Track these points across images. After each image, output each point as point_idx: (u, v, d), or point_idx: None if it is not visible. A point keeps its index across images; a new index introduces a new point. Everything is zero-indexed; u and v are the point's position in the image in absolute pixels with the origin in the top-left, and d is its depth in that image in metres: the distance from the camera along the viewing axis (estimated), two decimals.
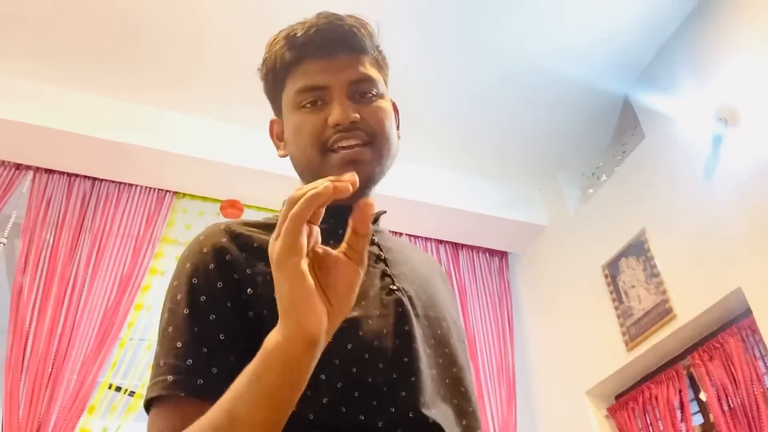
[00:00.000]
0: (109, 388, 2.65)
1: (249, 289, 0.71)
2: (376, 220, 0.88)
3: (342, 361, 0.68)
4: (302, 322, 0.54)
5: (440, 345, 0.80)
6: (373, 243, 0.83)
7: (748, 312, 2.31)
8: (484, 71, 3.05)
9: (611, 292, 3.00)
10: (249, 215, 3.23)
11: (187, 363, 0.65)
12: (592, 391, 3.03)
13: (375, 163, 0.81)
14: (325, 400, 0.66)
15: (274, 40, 0.85)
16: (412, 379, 0.71)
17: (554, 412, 3.15)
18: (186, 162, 2.99)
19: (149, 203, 3.07)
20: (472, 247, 3.71)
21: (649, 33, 2.93)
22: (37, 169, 2.92)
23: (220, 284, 0.70)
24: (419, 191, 3.37)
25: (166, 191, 3.13)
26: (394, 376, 0.71)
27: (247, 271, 0.72)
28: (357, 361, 0.69)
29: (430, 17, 2.79)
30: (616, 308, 2.95)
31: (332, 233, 0.74)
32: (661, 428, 2.61)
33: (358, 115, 0.79)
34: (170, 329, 0.69)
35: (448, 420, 0.73)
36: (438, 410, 0.72)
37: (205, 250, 0.72)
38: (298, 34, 0.82)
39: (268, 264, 0.63)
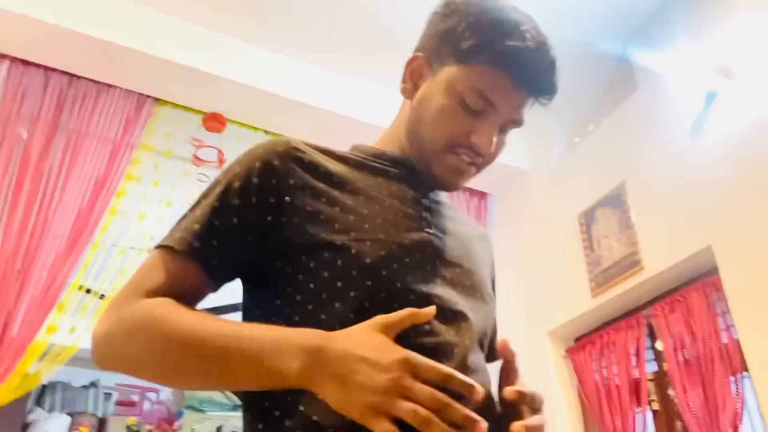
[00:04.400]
0: (79, 288, 2.66)
1: (286, 198, 0.77)
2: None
3: (359, 273, 0.73)
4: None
5: (470, 291, 0.83)
6: (421, 192, 0.87)
7: (714, 270, 2.37)
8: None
9: (584, 240, 3.05)
10: (231, 131, 3.17)
11: (194, 227, 0.76)
12: (554, 332, 3.12)
13: (470, 180, 0.89)
14: (337, 305, 0.72)
15: (507, 23, 0.80)
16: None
17: (516, 349, 3.25)
18: (170, 68, 2.89)
19: (128, 107, 2.97)
20: None
21: None
22: (13, 59, 2.79)
23: (254, 199, 0.76)
24: None
25: (147, 96, 3.04)
26: (411, 298, 0.74)
27: (290, 181, 0.77)
28: (374, 276, 0.73)
29: None
30: (587, 256, 3.01)
31: (383, 171, 0.85)
32: (616, 372, 2.72)
33: (494, 149, 0.85)
34: (201, 201, 0.79)
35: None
36: (449, 327, 0.75)
37: (257, 164, 0.78)
38: (522, 51, 0.79)
39: (315, 177, 0.78)
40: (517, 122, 0.86)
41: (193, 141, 3.06)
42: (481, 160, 0.86)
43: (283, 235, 0.76)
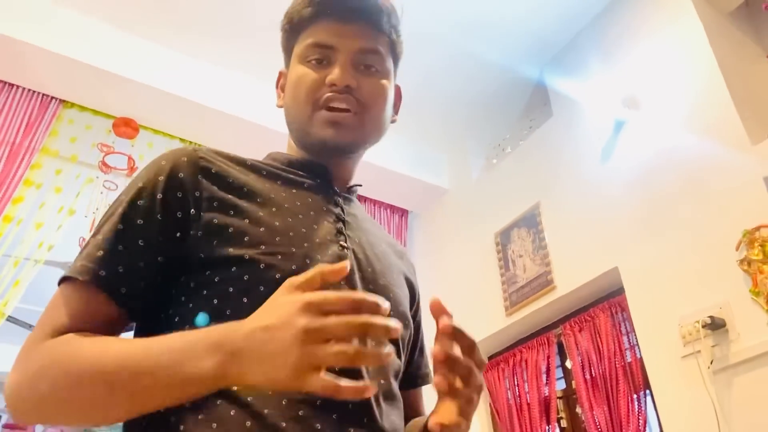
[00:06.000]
0: None
1: (192, 210, 0.72)
2: (350, 190, 0.91)
3: (266, 288, 0.66)
4: (255, 381, 0.56)
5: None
6: (337, 205, 0.85)
7: (620, 290, 2.47)
8: (407, 35, 3.00)
9: (500, 260, 3.11)
10: (143, 137, 3.03)
11: (98, 254, 0.69)
12: None
13: (357, 132, 0.84)
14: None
15: None
16: None
17: (431, 368, 3.26)
18: (79, 68, 2.73)
19: (31, 108, 2.79)
20: (375, 201, 3.71)
21: (565, 19, 3.00)
22: None
23: (159, 216, 0.72)
24: None
25: (52, 98, 2.86)
26: None
27: (196, 193, 0.73)
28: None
29: None
30: (502, 275, 3.07)
31: (298, 183, 0.82)
32: (527, 390, 2.77)
33: (355, 82, 0.82)
34: (104, 225, 0.73)
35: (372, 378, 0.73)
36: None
37: (160, 178, 0.73)
38: None
39: (223, 189, 0.74)
40: (369, 50, 0.86)
41: (102, 147, 2.90)
42: (353, 99, 0.82)
43: (189, 249, 0.71)
